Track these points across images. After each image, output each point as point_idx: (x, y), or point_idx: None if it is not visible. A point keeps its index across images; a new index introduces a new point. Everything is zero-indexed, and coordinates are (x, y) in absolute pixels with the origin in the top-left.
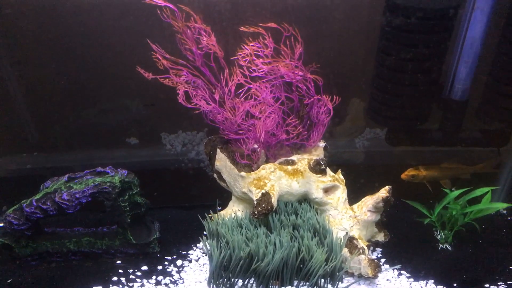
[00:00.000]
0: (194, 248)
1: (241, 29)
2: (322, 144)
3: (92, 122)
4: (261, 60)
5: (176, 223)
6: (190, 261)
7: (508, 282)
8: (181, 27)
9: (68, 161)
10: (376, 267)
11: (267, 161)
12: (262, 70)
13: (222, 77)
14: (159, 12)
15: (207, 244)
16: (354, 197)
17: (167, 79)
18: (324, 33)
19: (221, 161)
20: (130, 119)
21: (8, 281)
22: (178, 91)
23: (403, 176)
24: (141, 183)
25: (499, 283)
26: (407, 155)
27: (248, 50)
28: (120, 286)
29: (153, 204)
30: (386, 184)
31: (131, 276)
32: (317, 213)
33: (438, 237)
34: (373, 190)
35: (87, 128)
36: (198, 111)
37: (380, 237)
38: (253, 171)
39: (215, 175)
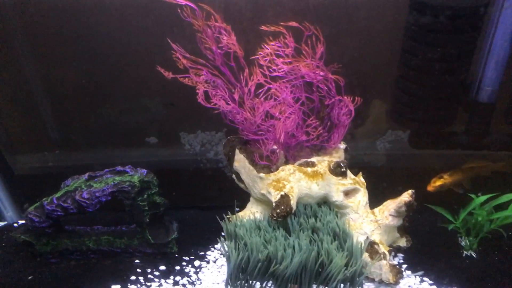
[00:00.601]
0: (212, 249)
1: (261, 28)
2: (342, 146)
3: (113, 121)
4: (281, 59)
5: (194, 223)
6: (207, 262)
7: None
8: (201, 26)
9: (89, 160)
10: (397, 273)
11: (286, 163)
12: (282, 70)
13: (242, 77)
14: (179, 11)
15: (225, 246)
16: (375, 200)
17: (186, 79)
18: (347, 32)
19: (240, 162)
20: (149, 119)
21: (29, 277)
22: (197, 91)
23: (430, 188)
24: (160, 183)
25: None
26: (430, 158)
27: (268, 49)
28: (138, 285)
29: (171, 204)
30: (408, 187)
31: (149, 276)
32: (337, 216)
33: (463, 243)
34: (395, 194)
35: (107, 127)
36: (218, 111)
37: (402, 243)
38: (272, 172)
39: (233, 176)
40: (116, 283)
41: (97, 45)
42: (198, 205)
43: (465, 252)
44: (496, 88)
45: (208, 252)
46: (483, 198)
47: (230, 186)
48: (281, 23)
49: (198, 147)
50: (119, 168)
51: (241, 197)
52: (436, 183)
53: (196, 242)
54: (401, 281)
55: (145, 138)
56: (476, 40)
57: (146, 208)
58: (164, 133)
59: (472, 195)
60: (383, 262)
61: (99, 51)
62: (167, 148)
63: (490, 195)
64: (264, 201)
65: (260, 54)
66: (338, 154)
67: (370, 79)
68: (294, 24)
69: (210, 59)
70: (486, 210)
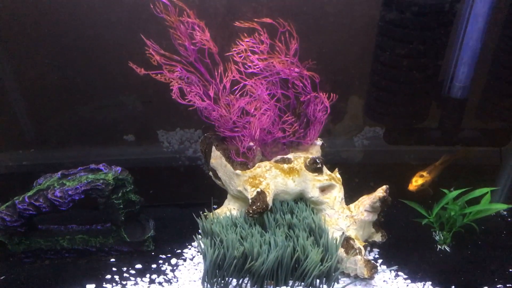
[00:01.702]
0: (189, 246)
1: (235, 24)
2: (319, 142)
3: (90, 119)
4: (256, 56)
5: (171, 221)
6: (184, 260)
7: (508, 285)
8: (174, 22)
9: (65, 158)
10: (372, 268)
11: (263, 159)
12: (257, 66)
13: (216, 74)
14: (152, 6)
15: (201, 243)
16: (353, 196)
17: (159, 75)
18: (323, 28)
19: (217, 159)
20: (127, 116)
21: (1, 277)
22: (171, 87)
23: (411, 188)
24: (138, 181)
25: (498, 286)
26: (407, 154)
27: (243, 46)
28: (114, 284)
29: (149, 202)
30: (385, 183)
31: (125, 274)
32: (313, 212)
33: (437, 238)
34: (372, 190)
35: (84, 125)
36: (193, 107)
37: (378, 238)
38: (248, 169)
39: (210, 173)
40: (91, 282)
41: (72, 41)
42: (176, 203)
43: (439, 247)
44: (468, 84)
45: (185, 250)
46: (455, 192)
47: (209, 183)
48: (255, 20)
49: (177, 145)
50: (93, 166)
51: (220, 194)
52: (418, 182)
53: (173, 240)
54: (376, 276)
55: (123, 136)
56: (447, 36)
57: (121, 206)
58: (143, 131)
59: (445, 190)
60: (358, 257)
61: (75, 48)
62: (146, 146)
63: (463, 189)
64: (241, 198)
65: (235, 50)
66: (315, 151)
67: (347, 75)
68: (268, 20)
69: (185, 55)
70: (459, 204)
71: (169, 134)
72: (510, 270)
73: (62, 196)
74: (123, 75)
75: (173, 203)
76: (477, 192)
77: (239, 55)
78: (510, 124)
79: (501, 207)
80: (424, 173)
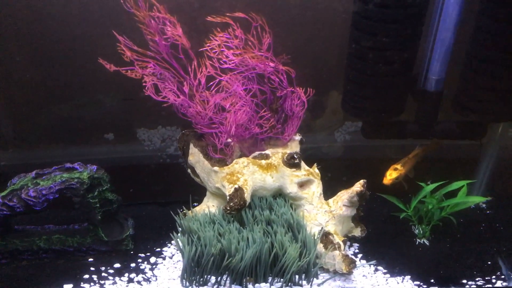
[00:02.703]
0: (169, 245)
1: (208, 19)
2: (297, 137)
3: (69, 118)
4: (231, 51)
5: (151, 220)
6: (164, 258)
7: (486, 278)
8: (144, 17)
9: (45, 158)
10: (350, 263)
11: (242, 156)
12: (233, 61)
13: (190, 69)
14: (122, 1)
15: (179, 241)
16: (335, 192)
17: (129, 71)
18: (301, 22)
19: (195, 155)
20: (108, 115)
21: None
22: (144, 84)
23: (386, 182)
24: (118, 180)
25: (477, 279)
26: (388, 148)
27: (217, 41)
28: (92, 284)
29: (130, 201)
30: (365, 178)
31: (103, 274)
32: (292, 208)
33: (416, 232)
34: (346, 184)
35: (64, 124)
36: (167, 104)
37: (357, 232)
38: (226, 165)
39: (189, 170)
40: (68, 282)
41: (48, 40)
42: (157, 201)
43: (418, 240)
44: (442, 77)
45: (164, 248)
46: (432, 186)
47: (190, 181)
48: (228, 14)
49: (159, 143)
50: (68, 165)
51: (201, 192)
52: (392, 176)
53: (152, 239)
54: (354, 270)
55: (104, 135)
56: (421, 28)
57: (98, 205)
58: (124, 129)
59: (422, 183)
60: (336, 252)
61: (51, 46)
62: (127, 144)
63: (440, 183)
64: (219, 194)
65: (208, 46)
66: (294, 146)
67: (327, 70)
68: (240, 15)
69: (157, 51)
70: (436, 198)
71: (150, 132)
72: (489, 263)
73: (36, 195)
74: (102, 73)
75: (154, 202)
76: (454, 185)
77: (213, 51)
78: (486, 117)
79: (478, 199)
80: (398, 166)
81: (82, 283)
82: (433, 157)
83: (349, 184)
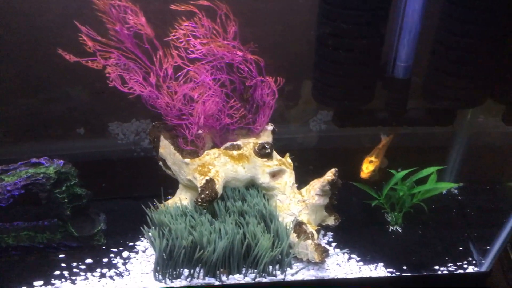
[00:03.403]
0: (142, 239)
1: (171, 7)
2: (270, 127)
3: (40, 112)
4: (198, 40)
5: (124, 214)
6: (137, 252)
7: (458, 264)
8: (104, 5)
9: (12, 154)
10: (323, 252)
11: (214, 147)
12: (200, 51)
13: (155, 59)
14: None
15: (150, 234)
16: (308, 181)
17: (90, 62)
18: (273, 10)
19: (165, 148)
20: (80, 109)
21: None
22: (107, 75)
23: (364, 176)
24: (91, 174)
25: (448, 265)
26: (364, 137)
27: (183, 30)
28: (63, 280)
29: (103, 196)
30: (341, 167)
31: (75, 270)
32: (265, 198)
33: (389, 219)
34: (314, 173)
35: (35, 119)
36: (133, 96)
37: (331, 221)
38: (198, 157)
39: (160, 163)
40: (38, 279)
41: (11, 31)
42: (130, 195)
43: (391, 228)
44: (410, 63)
45: (137, 242)
46: (403, 173)
47: (164, 174)
48: (192, 1)
49: (132, 136)
50: (34, 160)
51: (176, 185)
52: (369, 169)
53: (125, 233)
54: (328, 259)
55: (76, 129)
56: (388, 14)
57: (66, 200)
58: (96, 123)
59: (393, 171)
60: (309, 241)
61: (15, 38)
62: (100, 139)
63: (410, 169)
64: (192, 187)
65: (174, 35)
66: (266, 136)
67: (300, 59)
68: (204, 3)
69: (119, 40)
70: (407, 185)
71: (124, 126)
72: (461, 248)
73: (1, 191)
74: (72, 66)
75: (128, 196)
76: (425, 172)
77: (179, 40)
78: (455, 103)
79: (447, 186)
80: (373, 158)
81: (53, 279)
82: (405, 145)
83: (323, 174)
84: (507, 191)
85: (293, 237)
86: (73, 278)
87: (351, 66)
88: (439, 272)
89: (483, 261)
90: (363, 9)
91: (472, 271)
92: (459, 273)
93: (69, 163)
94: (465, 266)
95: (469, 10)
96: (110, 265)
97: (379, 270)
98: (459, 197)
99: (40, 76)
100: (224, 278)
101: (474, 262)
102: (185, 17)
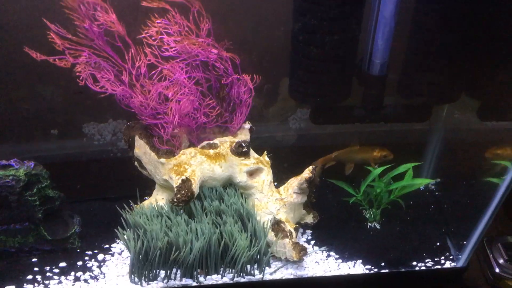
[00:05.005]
0: (118, 241)
1: (143, 4)
2: (247, 126)
3: (12, 113)
4: (172, 38)
5: (100, 216)
6: (112, 255)
7: (436, 259)
8: (73, 2)
9: None
10: (301, 250)
11: (191, 146)
12: (174, 49)
13: (128, 57)
14: None
15: (124, 236)
16: (287, 179)
17: (57, 60)
18: (249, 6)
19: (141, 148)
20: (55, 109)
21: None
22: (77, 73)
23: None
24: (66, 176)
25: (426, 260)
26: (342, 135)
27: (155, 27)
28: (35, 284)
29: (78, 197)
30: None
31: (48, 274)
32: (243, 197)
33: (367, 216)
34: (290, 171)
35: (7, 119)
36: (105, 94)
37: (309, 219)
38: (174, 157)
39: (135, 163)
40: (10, 284)
41: None
42: (106, 197)
43: (369, 224)
44: (386, 60)
45: (113, 245)
46: (380, 169)
47: (141, 174)
48: None
49: (109, 137)
50: (3, 162)
51: (152, 185)
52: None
53: (100, 235)
54: (306, 257)
55: (51, 131)
56: (362, 11)
57: (38, 203)
58: (71, 123)
59: (370, 168)
60: (287, 240)
61: None
62: (76, 139)
63: (387, 166)
64: (168, 187)
65: (146, 33)
66: (243, 134)
67: (278, 56)
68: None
69: (88, 38)
70: (384, 181)
71: (100, 126)
72: (438, 244)
73: None
74: (46, 66)
75: (103, 197)
76: (402, 168)
77: (152, 38)
78: (430, 99)
79: (424, 181)
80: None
81: (25, 284)
82: (382, 141)
83: (301, 171)
84: (484, 186)
85: (271, 236)
86: (46, 282)
87: (325, 62)
88: (417, 268)
89: (460, 256)
90: (336, 4)
91: (449, 266)
92: (437, 268)
93: (40, 165)
94: (443, 261)
95: (443, 7)
96: (85, 268)
97: (357, 267)
98: (436, 193)
99: (11, 75)
100: (201, 278)
101: (451, 257)
102: (158, 15)
